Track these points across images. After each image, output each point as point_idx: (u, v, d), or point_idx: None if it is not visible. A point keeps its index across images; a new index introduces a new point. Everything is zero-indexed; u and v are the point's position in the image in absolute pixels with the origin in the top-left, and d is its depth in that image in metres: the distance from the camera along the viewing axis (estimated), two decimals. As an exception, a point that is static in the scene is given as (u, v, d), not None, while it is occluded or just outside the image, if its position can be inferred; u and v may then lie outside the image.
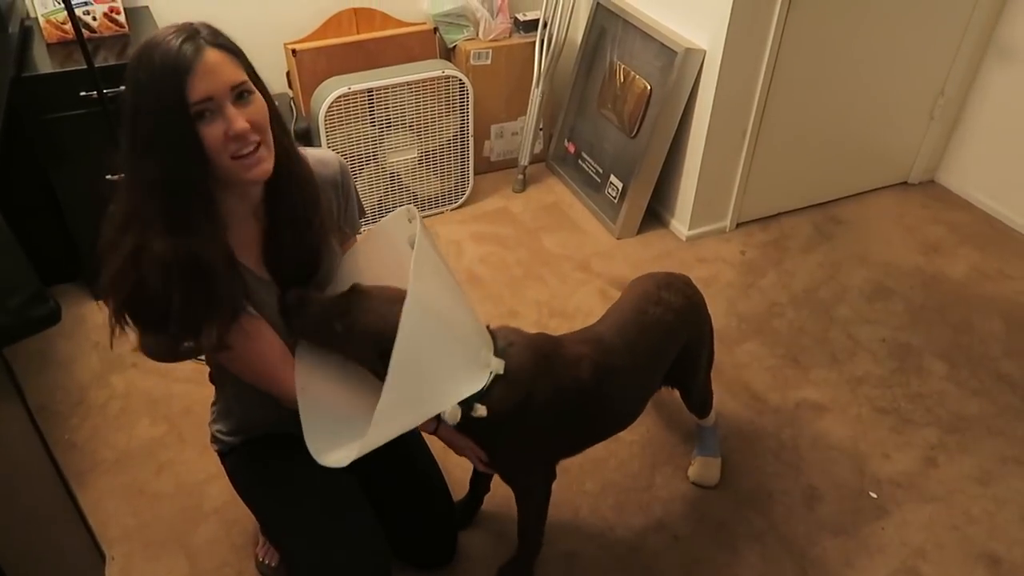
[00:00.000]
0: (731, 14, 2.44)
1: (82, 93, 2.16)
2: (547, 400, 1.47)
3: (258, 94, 1.18)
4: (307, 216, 1.31)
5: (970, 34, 2.92)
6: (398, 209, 1.38)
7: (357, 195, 1.50)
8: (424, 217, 3.03)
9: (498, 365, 1.39)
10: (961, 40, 2.94)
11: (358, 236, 1.54)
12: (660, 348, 1.70)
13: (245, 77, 1.15)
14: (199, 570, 1.81)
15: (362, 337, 1.29)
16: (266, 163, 1.19)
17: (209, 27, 1.16)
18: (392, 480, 1.62)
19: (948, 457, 2.12)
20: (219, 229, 1.20)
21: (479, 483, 1.86)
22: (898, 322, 2.59)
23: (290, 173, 1.26)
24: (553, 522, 1.82)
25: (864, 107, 2.97)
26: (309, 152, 1.38)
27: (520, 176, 3.21)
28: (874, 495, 2.02)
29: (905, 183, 3.33)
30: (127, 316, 1.19)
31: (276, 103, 1.24)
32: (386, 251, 1.41)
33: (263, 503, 1.52)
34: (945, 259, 2.89)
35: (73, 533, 1.72)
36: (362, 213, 1.53)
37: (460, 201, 3.09)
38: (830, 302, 2.67)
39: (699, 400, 1.96)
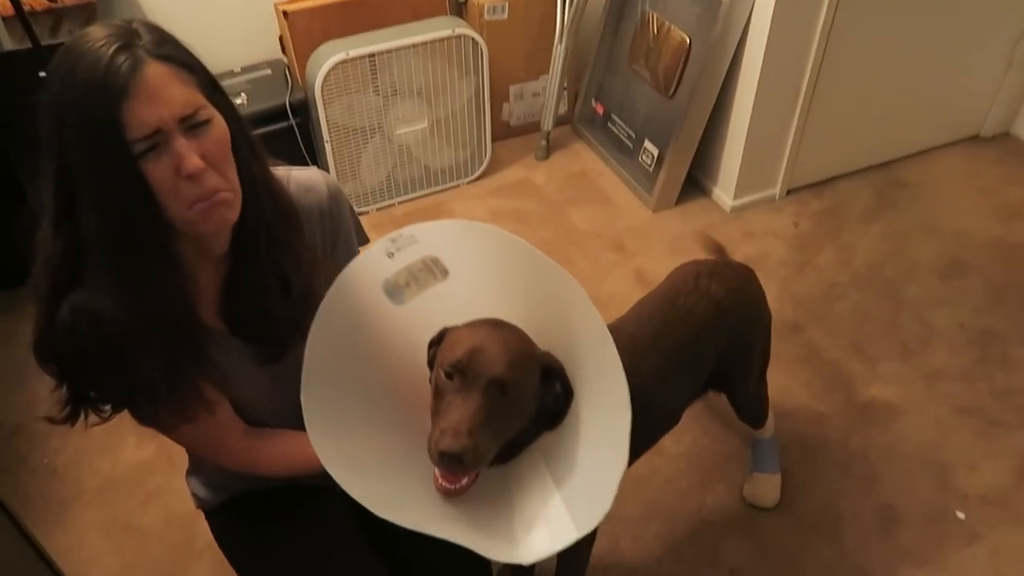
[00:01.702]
0: (786, -49, 2.09)
1: (42, 74, 1.89)
2: None
3: (218, 118, 0.89)
4: (280, 275, 1.03)
5: (1061, -37, 2.52)
6: (376, 243, 1.01)
7: (356, 222, 1.21)
8: (438, 192, 2.76)
9: None
10: (1049, -29, 2.55)
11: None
12: (693, 345, 1.41)
13: (200, 100, 0.87)
14: (190, 621, 1.60)
15: (529, 375, 0.97)
16: (229, 209, 0.92)
17: (153, 29, 0.87)
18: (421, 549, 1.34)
19: (1046, 467, 1.84)
20: (180, 283, 0.94)
21: None
22: (977, 303, 2.28)
23: (260, 217, 0.98)
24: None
25: (933, 53, 2.60)
26: (293, 176, 1.10)
27: (543, 142, 2.90)
28: (961, 515, 1.75)
29: (977, 137, 2.96)
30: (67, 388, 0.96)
31: (242, 122, 0.96)
32: (361, 302, 1.03)
33: (253, 572, 1.28)
34: (1027, 226, 2.56)
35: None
36: (363, 240, 1.24)
37: (478, 173, 2.79)
38: (898, 281, 2.36)
39: (750, 409, 1.69)
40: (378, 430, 1.02)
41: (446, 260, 1.02)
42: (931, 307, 2.27)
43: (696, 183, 2.72)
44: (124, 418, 2.01)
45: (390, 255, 1.00)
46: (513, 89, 2.89)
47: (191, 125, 0.86)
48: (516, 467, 1.04)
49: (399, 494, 0.97)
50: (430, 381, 1.00)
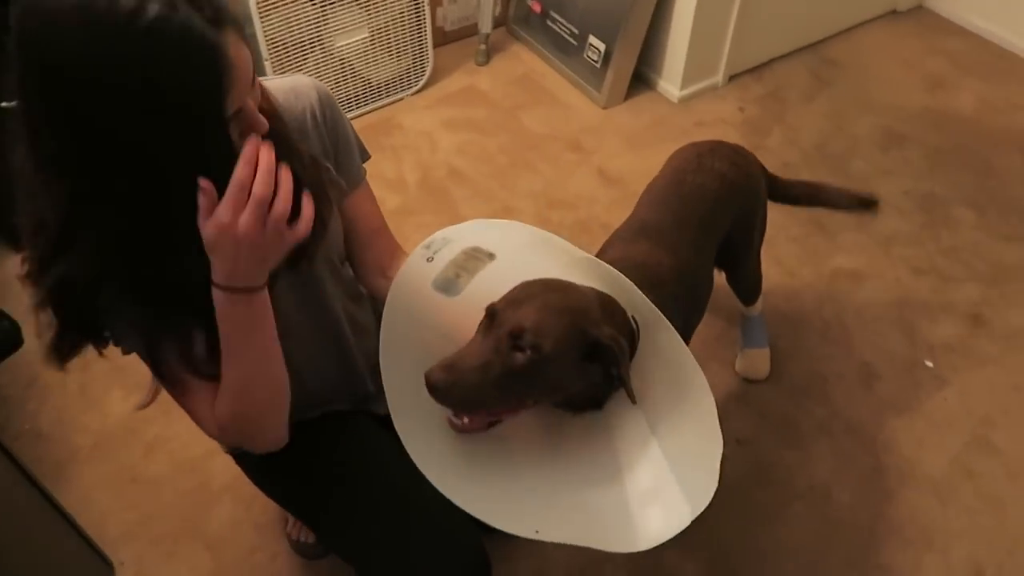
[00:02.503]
0: None
1: None
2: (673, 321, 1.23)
3: None
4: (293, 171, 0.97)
5: None
6: (412, 253, 1.02)
7: (353, 131, 1.13)
8: (384, 106, 2.65)
9: None
10: None
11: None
12: (711, 216, 1.45)
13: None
14: (225, 561, 1.58)
15: (559, 345, 0.91)
16: None
17: None
18: None
19: (995, 312, 2.02)
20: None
21: None
22: (917, 170, 2.42)
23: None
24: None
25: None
26: (275, 84, 1.01)
27: (482, 46, 2.82)
28: (930, 364, 1.91)
29: (894, 12, 3.08)
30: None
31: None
32: (419, 308, 1.02)
33: (308, 499, 1.25)
34: (950, 94, 2.71)
35: (66, 545, 1.46)
36: (364, 154, 1.17)
37: (421, 83, 2.69)
38: (843, 156, 2.47)
39: (750, 283, 1.77)
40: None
41: (487, 247, 1.01)
42: (876, 178, 2.40)
43: (640, 77, 2.72)
44: (101, 372, 1.91)
45: (429, 260, 0.98)
46: (446, -9, 2.77)
47: None
48: (616, 424, 1.01)
49: (501, 498, 0.95)
50: None
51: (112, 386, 1.84)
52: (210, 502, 1.66)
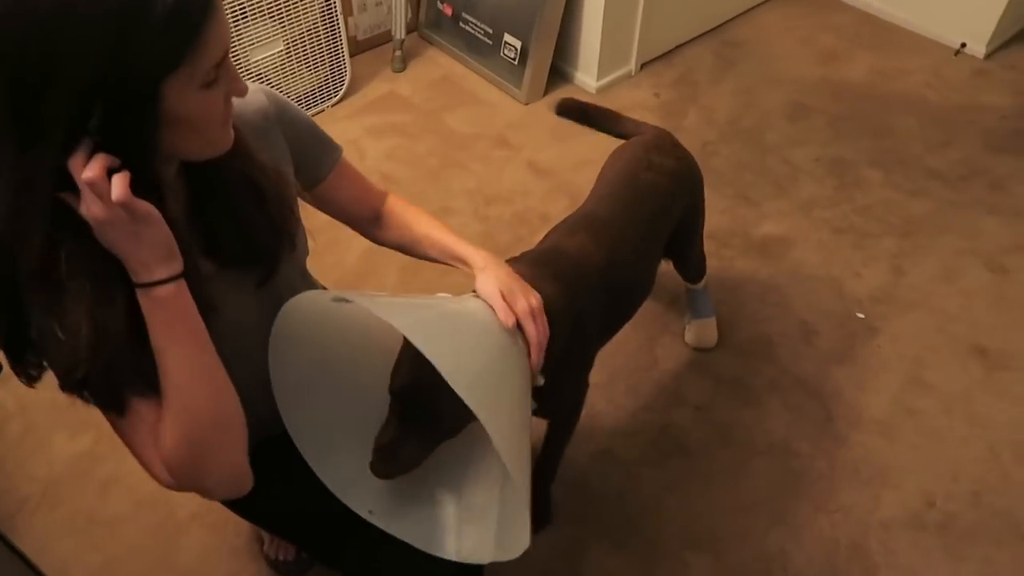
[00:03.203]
0: None
1: None
2: (589, 315, 1.27)
3: None
4: (247, 180, 0.92)
5: None
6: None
7: (312, 123, 1.10)
8: (311, 120, 2.61)
9: None
10: None
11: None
12: (660, 214, 1.51)
13: None
14: (204, 591, 1.53)
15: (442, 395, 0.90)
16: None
17: None
18: None
19: (912, 262, 2.16)
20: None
21: None
22: (824, 138, 2.57)
23: None
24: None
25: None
26: None
27: (398, 52, 2.82)
28: (861, 315, 2.03)
29: (784, -7, 3.25)
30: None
31: None
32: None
33: (285, 514, 1.22)
34: (845, 65, 2.88)
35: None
36: (332, 146, 1.14)
37: (341, 93, 2.67)
38: (757, 130, 2.60)
39: (697, 266, 1.84)
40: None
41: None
42: (789, 148, 2.53)
43: (557, 71, 2.78)
44: (41, 413, 1.81)
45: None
46: (356, 0, 2.76)
47: None
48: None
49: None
50: None
51: (55, 427, 1.75)
52: (178, 534, 1.61)
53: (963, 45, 2.89)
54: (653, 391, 1.87)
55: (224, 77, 0.77)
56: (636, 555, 1.59)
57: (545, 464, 1.55)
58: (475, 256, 1.06)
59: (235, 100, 0.91)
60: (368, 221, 1.21)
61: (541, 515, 1.61)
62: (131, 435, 0.88)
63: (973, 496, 1.67)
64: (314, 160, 1.10)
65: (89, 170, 0.71)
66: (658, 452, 1.75)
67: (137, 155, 0.75)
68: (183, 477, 0.87)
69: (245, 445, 0.91)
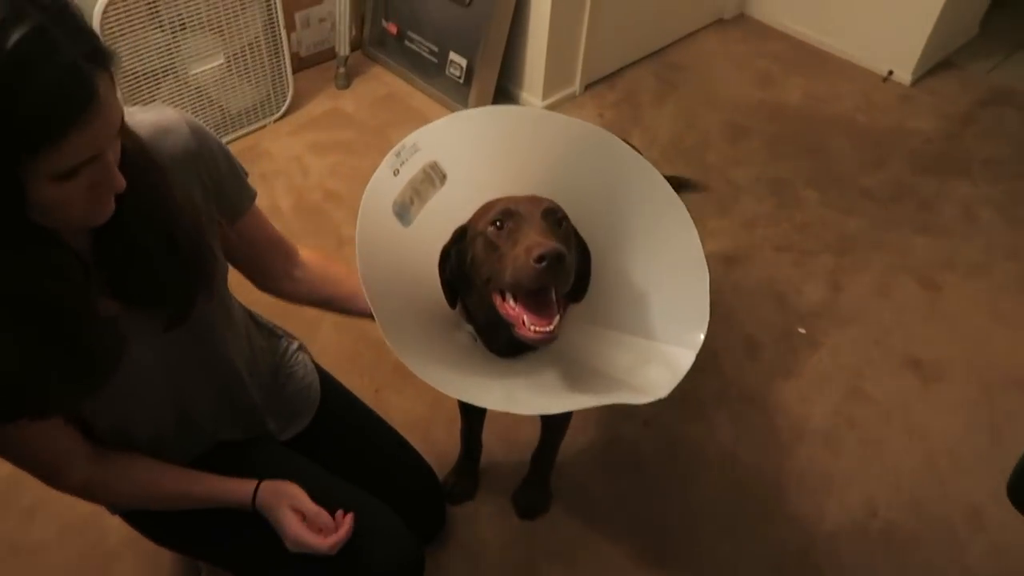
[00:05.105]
0: None
1: None
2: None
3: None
4: (160, 232, 0.90)
5: None
6: (383, 163, 1.01)
7: (230, 156, 1.05)
8: (247, 134, 2.56)
9: None
10: None
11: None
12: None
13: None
14: (137, 622, 1.45)
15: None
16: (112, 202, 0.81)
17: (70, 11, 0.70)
18: (364, 473, 1.30)
19: (848, 278, 2.23)
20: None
21: (472, 440, 1.63)
22: (762, 158, 2.64)
23: (131, 182, 0.81)
24: (520, 445, 1.68)
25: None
26: (140, 121, 0.91)
27: (342, 69, 2.79)
28: (802, 330, 2.07)
29: (721, 20, 3.35)
30: None
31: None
32: (383, 238, 1.02)
33: (216, 543, 1.16)
34: (780, 89, 2.97)
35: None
36: (247, 182, 1.09)
37: (283, 109, 2.63)
38: (698, 150, 2.65)
39: None
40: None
41: (445, 162, 1.03)
42: (730, 168, 2.59)
43: (503, 90, 2.79)
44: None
45: (396, 172, 0.99)
46: (299, 16, 2.72)
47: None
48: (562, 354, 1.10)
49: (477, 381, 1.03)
50: (443, 283, 1.06)
51: (-26, 454, 1.65)
52: (109, 562, 1.52)
53: (890, 72, 3.02)
54: (602, 406, 1.86)
55: (90, 172, 0.74)
56: (587, 572, 1.57)
57: (542, 460, 1.60)
58: None
59: (157, 134, 0.92)
60: (282, 271, 1.18)
61: (540, 506, 1.66)
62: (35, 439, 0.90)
63: (914, 504, 1.71)
64: (235, 193, 1.07)
65: None
66: (607, 467, 1.75)
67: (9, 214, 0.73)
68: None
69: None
